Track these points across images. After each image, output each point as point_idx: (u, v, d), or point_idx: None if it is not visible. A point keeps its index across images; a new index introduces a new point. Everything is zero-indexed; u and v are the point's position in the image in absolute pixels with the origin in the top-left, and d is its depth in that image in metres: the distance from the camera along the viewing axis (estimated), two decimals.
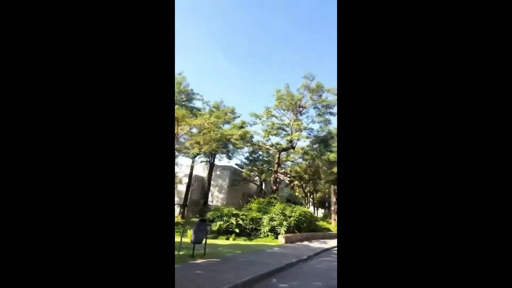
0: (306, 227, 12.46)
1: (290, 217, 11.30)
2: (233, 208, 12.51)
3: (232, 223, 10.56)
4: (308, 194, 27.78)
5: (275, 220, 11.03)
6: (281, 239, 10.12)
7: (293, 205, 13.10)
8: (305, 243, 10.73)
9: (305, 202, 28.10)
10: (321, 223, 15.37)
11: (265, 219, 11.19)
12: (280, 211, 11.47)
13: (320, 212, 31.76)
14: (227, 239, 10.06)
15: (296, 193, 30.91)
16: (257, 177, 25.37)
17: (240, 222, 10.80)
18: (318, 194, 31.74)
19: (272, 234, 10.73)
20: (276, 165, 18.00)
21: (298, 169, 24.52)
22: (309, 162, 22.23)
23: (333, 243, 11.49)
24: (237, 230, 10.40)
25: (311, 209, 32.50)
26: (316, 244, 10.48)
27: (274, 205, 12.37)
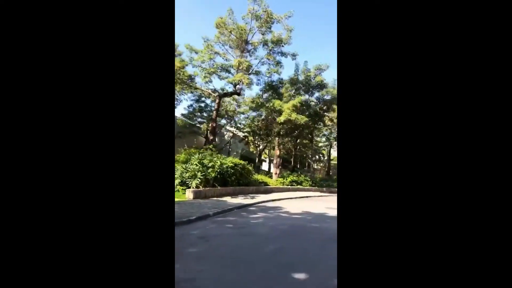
0: (235, 180, 10.54)
1: (208, 168, 9.09)
2: None
3: None
4: (259, 149, 26.01)
5: (188, 172, 8.74)
6: (189, 194, 7.97)
7: (219, 155, 10.87)
8: (225, 198, 8.82)
9: (258, 158, 26.64)
10: (259, 177, 13.69)
11: (177, 171, 8.82)
12: (198, 161, 9.16)
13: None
14: None
15: (251, 149, 29.28)
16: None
17: None
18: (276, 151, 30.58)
19: (185, 188, 8.53)
20: (215, 112, 15.22)
21: (250, 122, 22.09)
22: (256, 113, 19.83)
23: (262, 198, 9.88)
24: None
25: (267, 166, 31.67)
26: (238, 200, 8.64)
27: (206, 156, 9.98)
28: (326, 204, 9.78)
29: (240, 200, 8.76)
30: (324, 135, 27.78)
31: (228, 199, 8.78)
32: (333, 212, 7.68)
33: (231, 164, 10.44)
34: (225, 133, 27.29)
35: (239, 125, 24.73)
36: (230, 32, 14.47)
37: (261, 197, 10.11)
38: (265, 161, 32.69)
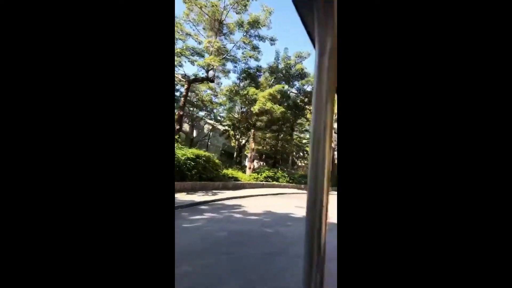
0: (196, 175, 9.13)
1: None
2: None
3: None
4: (240, 144, 24.50)
5: None
6: None
7: (177, 144, 9.39)
8: (177, 195, 7.41)
9: (238, 154, 25.20)
10: (229, 171, 12.35)
11: None
12: None
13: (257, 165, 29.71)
14: None
15: (232, 144, 27.79)
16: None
17: None
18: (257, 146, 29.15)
19: None
20: (182, 99, 13.63)
21: (228, 113, 20.53)
22: (233, 103, 18.39)
23: (226, 195, 8.54)
24: None
25: (247, 163, 30.27)
26: (192, 197, 7.28)
27: None
28: (298, 203, 8.59)
29: (195, 197, 7.38)
30: (307, 130, 26.79)
31: (181, 196, 7.37)
32: (301, 212, 6.47)
33: (192, 156, 9.01)
34: (204, 125, 25.62)
35: (219, 118, 23.17)
36: (201, 8, 12.89)
37: (225, 194, 8.77)
38: (247, 156, 31.33)
